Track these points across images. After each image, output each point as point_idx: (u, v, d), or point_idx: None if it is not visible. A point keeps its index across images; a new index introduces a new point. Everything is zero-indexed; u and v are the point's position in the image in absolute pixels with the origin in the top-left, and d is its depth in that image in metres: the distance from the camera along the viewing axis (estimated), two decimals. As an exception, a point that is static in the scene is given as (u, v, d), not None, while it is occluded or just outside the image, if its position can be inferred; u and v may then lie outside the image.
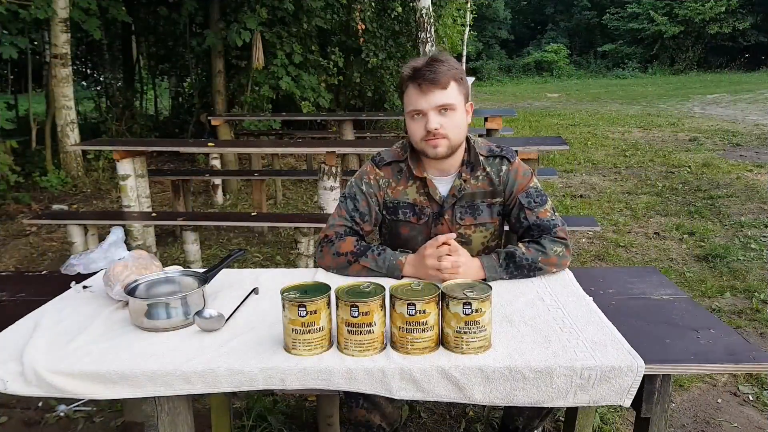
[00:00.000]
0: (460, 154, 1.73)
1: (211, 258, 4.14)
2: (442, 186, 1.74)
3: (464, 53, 17.57)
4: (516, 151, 1.85)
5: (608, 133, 9.54)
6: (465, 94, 1.66)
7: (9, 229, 5.06)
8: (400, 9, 9.12)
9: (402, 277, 1.62)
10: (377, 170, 1.78)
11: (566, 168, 6.94)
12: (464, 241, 1.74)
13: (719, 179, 6.03)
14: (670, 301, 1.52)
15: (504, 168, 1.74)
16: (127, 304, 1.44)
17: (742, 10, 22.88)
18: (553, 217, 1.70)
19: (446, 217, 1.74)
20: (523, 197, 1.71)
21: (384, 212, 1.79)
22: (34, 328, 1.37)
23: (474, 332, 1.21)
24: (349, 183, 1.81)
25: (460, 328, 1.21)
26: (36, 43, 8.52)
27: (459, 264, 1.56)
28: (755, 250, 4.00)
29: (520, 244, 1.67)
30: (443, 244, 1.57)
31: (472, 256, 1.76)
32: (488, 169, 1.74)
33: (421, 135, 1.64)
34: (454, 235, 1.60)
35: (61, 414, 2.26)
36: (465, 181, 1.73)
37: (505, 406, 1.80)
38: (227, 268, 1.63)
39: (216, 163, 6.26)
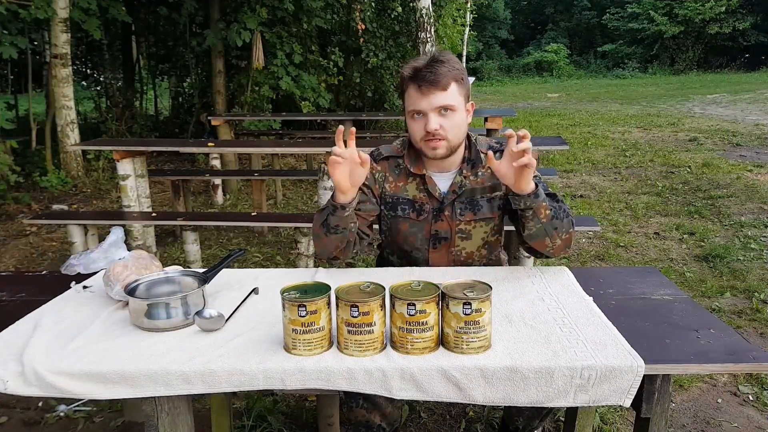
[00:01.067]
0: (460, 151, 1.73)
1: (211, 258, 4.14)
2: (442, 182, 1.75)
3: (464, 53, 17.57)
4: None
5: (608, 133, 9.54)
6: (465, 95, 1.66)
7: (9, 229, 5.06)
8: (400, 9, 9.12)
9: (339, 197, 1.58)
10: (374, 164, 1.79)
11: (566, 168, 6.94)
12: (465, 237, 1.75)
13: (719, 179, 6.02)
14: (670, 301, 1.52)
15: None
16: (127, 304, 1.44)
17: (742, 10, 22.87)
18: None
19: (446, 213, 1.74)
20: None
21: (383, 208, 1.80)
22: (34, 329, 1.37)
23: (474, 332, 1.21)
24: None
25: (460, 328, 1.21)
26: (36, 43, 8.53)
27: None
28: (755, 250, 4.00)
29: None
30: None
31: (473, 251, 1.77)
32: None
33: (420, 135, 1.64)
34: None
35: (61, 414, 2.26)
36: (465, 177, 1.73)
37: (505, 406, 1.79)
38: (227, 268, 1.63)
39: (216, 163, 6.26)
